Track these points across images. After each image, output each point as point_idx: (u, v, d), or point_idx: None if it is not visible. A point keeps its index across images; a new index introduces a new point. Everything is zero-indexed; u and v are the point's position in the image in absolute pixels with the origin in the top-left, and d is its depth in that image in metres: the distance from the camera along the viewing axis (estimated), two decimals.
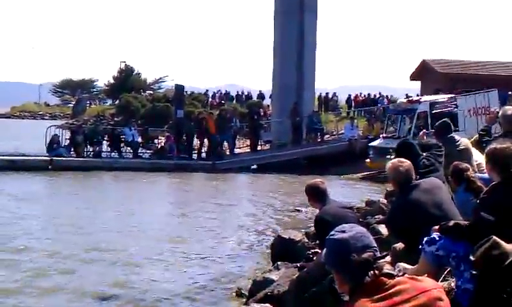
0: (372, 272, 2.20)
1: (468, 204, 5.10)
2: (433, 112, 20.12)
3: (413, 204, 4.95)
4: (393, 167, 5.17)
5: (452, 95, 21.93)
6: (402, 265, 4.44)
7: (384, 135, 22.05)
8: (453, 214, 4.79)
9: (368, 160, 21.12)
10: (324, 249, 2.35)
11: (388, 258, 2.35)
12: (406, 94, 30.68)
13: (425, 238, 4.16)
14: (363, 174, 20.86)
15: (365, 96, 40.04)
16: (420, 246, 4.16)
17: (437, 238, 4.06)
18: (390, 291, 2.18)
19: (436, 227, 4.17)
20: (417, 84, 34.65)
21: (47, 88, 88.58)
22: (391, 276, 2.23)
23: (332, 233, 2.31)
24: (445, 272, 4.21)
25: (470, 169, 6.00)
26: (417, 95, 28.25)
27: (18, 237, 10.52)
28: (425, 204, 4.91)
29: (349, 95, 41.41)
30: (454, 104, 20.82)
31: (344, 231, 2.29)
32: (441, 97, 22.05)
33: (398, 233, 5.32)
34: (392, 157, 20.03)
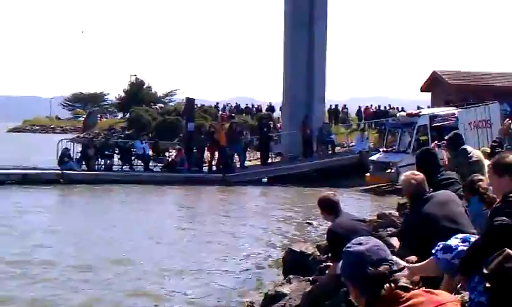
0: (387, 285, 2.20)
1: (481, 214, 5.08)
2: (433, 125, 20.05)
3: (425, 218, 4.94)
4: (406, 179, 5.17)
5: (452, 108, 21.79)
6: (411, 259, 4.43)
7: (383, 149, 21.97)
8: (466, 227, 4.77)
9: (367, 174, 21.05)
10: (340, 262, 2.35)
11: (405, 272, 2.33)
12: (418, 106, 30.53)
13: (440, 244, 4.13)
14: (364, 187, 20.82)
15: (375, 108, 40.02)
16: (433, 251, 4.13)
17: (453, 247, 4.03)
18: (406, 304, 2.17)
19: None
20: (428, 96, 34.47)
21: (58, 102, 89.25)
22: (407, 289, 2.22)
23: (348, 245, 2.31)
24: (458, 285, 4.18)
25: (483, 181, 5.97)
26: (428, 107, 28.12)
27: (37, 251, 10.60)
28: (438, 217, 4.90)
29: (359, 107, 41.39)
30: (454, 117, 20.60)
31: (360, 244, 2.28)
32: (441, 110, 21.92)
33: (411, 246, 5.30)
34: (393, 171, 19.93)
